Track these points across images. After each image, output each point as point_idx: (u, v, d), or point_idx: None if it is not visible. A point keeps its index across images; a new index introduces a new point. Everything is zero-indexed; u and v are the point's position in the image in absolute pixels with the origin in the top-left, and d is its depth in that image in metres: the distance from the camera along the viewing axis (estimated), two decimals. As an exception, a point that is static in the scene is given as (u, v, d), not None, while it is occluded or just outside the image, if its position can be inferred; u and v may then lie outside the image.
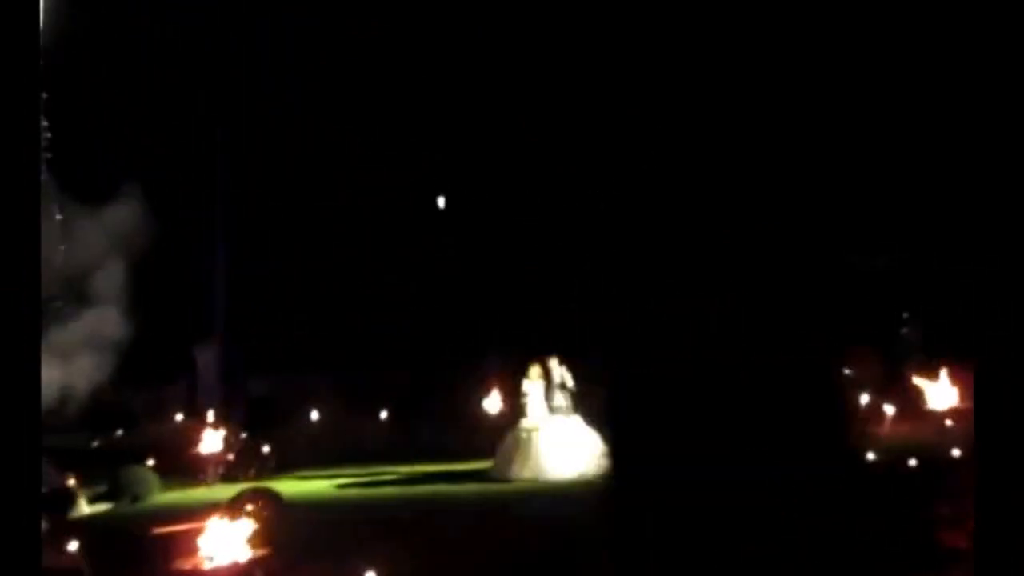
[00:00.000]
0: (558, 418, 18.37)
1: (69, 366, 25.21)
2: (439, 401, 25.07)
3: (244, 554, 11.35)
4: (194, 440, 21.82)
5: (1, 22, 5.01)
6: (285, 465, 21.42)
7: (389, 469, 20.42)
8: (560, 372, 18.65)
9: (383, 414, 26.09)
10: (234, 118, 28.22)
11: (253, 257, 28.49)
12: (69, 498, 17.91)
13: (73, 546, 12.36)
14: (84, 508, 18.12)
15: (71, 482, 18.42)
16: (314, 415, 26.23)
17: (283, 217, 29.46)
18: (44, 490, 17.93)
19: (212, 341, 28.55)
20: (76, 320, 25.51)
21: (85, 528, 15.08)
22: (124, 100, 26.09)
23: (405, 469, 20.30)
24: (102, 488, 19.38)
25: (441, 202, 33.29)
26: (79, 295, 25.64)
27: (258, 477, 19.69)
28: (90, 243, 25.53)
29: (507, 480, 17.94)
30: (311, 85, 29.48)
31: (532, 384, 18.50)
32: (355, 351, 28.87)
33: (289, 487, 17.28)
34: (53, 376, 26.22)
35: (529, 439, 18.19)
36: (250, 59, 28.21)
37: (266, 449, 22.94)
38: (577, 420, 18.46)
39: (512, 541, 13.10)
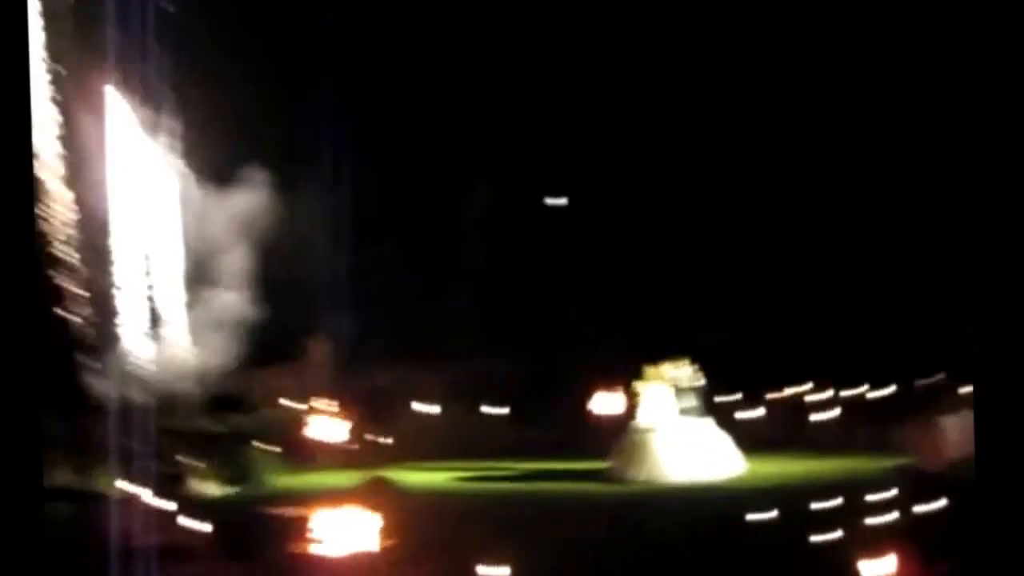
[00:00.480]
0: (685, 419, 17.90)
1: (197, 347, 25.59)
2: (557, 398, 24.75)
3: (366, 543, 11.19)
4: (312, 427, 21.91)
5: None
6: (402, 455, 21.38)
7: (507, 464, 20.18)
8: (688, 374, 18.19)
9: (500, 409, 25.87)
10: (357, 102, 28.18)
11: (374, 245, 28.49)
12: (196, 477, 18.08)
13: (196, 525, 12.40)
14: (207, 488, 18.29)
15: (194, 463, 18.61)
16: (432, 407, 26.13)
17: (404, 205, 29.42)
18: (169, 470, 18.22)
19: (331, 328, 28.68)
20: (203, 303, 25.88)
21: (209, 508, 15.15)
22: (249, 85, 26.36)
23: (523, 465, 20.04)
24: (224, 470, 19.56)
25: (561, 200, 32.95)
26: (206, 278, 26.00)
27: (375, 466, 19.61)
28: (216, 227, 25.85)
29: (624, 481, 17.52)
30: (430, 75, 29.44)
31: (649, 385, 18.05)
32: (473, 345, 28.72)
33: (407, 477, 17.14)
34: (182, 357, 26.72)
35: (644, 441, 17.71)
36: (372, 47, 28.25)
37: (384, 439, 22.92)
38: (708, 422, 17.97)
39: (637, 545, 12.77)
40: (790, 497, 14.78)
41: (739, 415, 23.66)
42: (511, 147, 30.07)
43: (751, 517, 13.55)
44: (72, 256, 25.98)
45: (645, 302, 27.76)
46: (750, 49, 28.01)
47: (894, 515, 13.08)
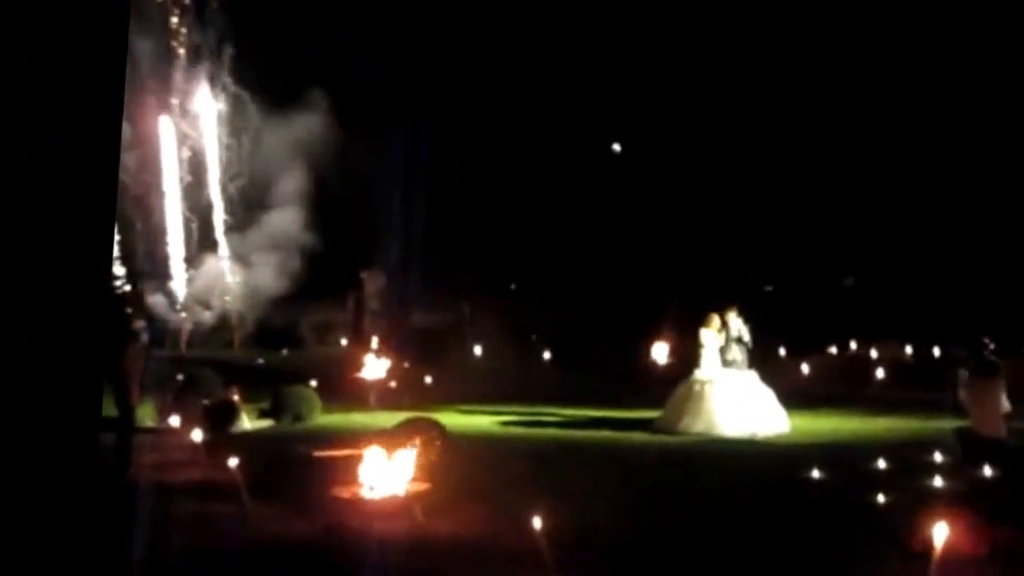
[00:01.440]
0: (733, 372, 17.19)
1: (249, 278, 25.14)
2: (604, 346, 24.16)
3: (403, 487, 10.60)
4: (357, 365, 21.44)
5: None
6: (447, 397, 20.89)
7: (552, 410, 19.47)
8: (738, 325, 17.43)
9: (546, 355, 25.34)
10: (424, 50, 27.37)
11: (429, 192, 27.83)
12: (232, 412, 17.62)
13: (231, 461, 11.88)
14: (246, 423, 17.83)
15: (235, 397, 18.16)
16: (477, 350, 25.66)
17: (462, 158, 28.82)
18: (208, 402, 17.76)
19: (380, 268, 28.21)
20: (257, 231, 25.42)
21: (245, 444, 14.67)
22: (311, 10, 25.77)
23: (569, 412, 19.31)
24: (264, 405, 19.14)
25: (616, 147, 32.20)
26: (262, 204, 25.53)
27: (419, 407, 19.06)
28: (275, 152, 25.34)
29: (675, 432, 16.77)
30: (501, 24, 28.74)
31: (710, 334, 17.29)
32: (523, 291, 28.16)
33: (450, 420, 16.44)
34: (233, 287, 26.34)
35: (703, 392, 16.90)
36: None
37: (428, 380, 22.44)
38: (753, 376, 17.23)
39: (683, 498, 12.13)
40: (841, 456, 14.09)
41: (785, 370, 23.03)
42: (570, 97, 29.38)
43: (803, 474, 12.83)
44: (125, 183, 25.61)
45: (696, 251, 27.08)
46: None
47: (948, 479, 12.37)
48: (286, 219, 25.59)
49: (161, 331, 24.96)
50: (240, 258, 26.44)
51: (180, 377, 19.57)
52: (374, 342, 23.36)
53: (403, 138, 27.15)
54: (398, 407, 18.54)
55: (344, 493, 10.67)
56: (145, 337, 23.46)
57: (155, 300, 25.60)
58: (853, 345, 25.12)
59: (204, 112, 26.55)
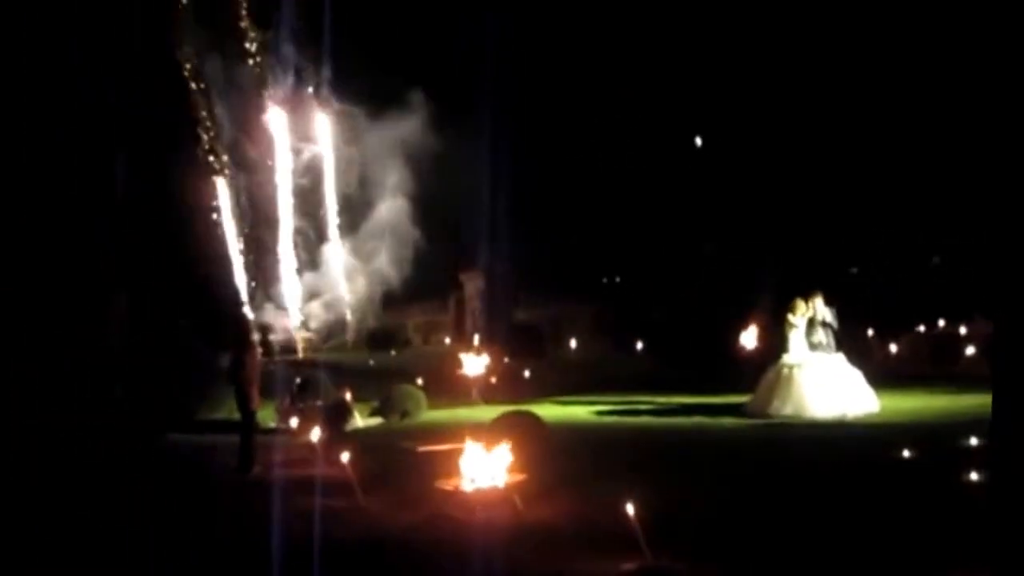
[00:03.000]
0: (820, 355, 16.87)
1: (353, 282, 25.43)
2: (695, 334, 23.90)
3: (502, 478, 10.66)
4: (460, 363, 21.61)
5: None
6: (544, 390, 20.93)
7: (646, 399, 19.43)
8: (823, 310, 17.10)
9: (639, 344, 25.21)
10: (512, 51, 27.30)
11: (522, 193, 27.84)
12: (345, 412, 17.95)
13: (344, 458, 12.10)
14: (358, 422, 18.15)
15: (347, 397, 18.48)
16: (573, 343, 25.64)
17: (553, 154, 28.79)
18: (322, 403, 18.09)
19: (479, 268, 28.30)
20: (358, 238, 25.70)
21: (357, 441, 14.90)
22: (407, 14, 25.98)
23: (661, 399, 19.24)
24: (375, 403, 19.42)
25: (698, 140, 31.87)
26: (369, 203, 25.77)
27: (518, 400, 19.12)
28: (379, 156, 25.58)
29: (765, 416, 16.52)
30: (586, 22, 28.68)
31: (795, 319, 17.00)
32: (615, 283, 28.00)
33: (548, 411, 16.53)
34: (338, 292, 26.68)
35: (791, 375, 16.62)
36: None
37: (527, 374, 22.51)
38: (840, 358, 16.89)
39: (774, 480, 11.97)
40: (932, 434, 13.73)
41: (874, 351, 22.54)
42: (653, 94, 29.17)
43: (894, 453, 12.52)
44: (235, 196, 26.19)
45: (783, 237, 26.62)
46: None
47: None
48: (391, 212, 25.83)
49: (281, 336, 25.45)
50: (355, 252, 26.69)
51: (298, 381, 19.93)
52: (475, 340, 23.49)
53: (495, 141, 27.11)
54: (498, 401, 18.62)
55: (446, 485, 10.77)
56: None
57: (274, 302, 26.11)
58: (942, 323, 24.44)
59: (312, 126, 27.00)
